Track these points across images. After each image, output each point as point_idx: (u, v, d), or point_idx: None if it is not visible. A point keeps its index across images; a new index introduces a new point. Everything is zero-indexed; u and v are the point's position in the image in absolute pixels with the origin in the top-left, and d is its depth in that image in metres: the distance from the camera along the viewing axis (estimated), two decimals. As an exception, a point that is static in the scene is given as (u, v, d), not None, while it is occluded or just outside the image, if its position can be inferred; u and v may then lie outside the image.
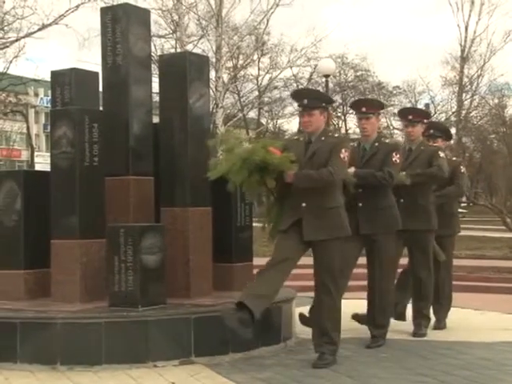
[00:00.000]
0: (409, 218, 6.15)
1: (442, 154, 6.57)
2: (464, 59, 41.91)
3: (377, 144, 6.00)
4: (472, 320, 7.73)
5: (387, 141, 6.41)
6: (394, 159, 5.84)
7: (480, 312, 8.27)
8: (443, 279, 7.09)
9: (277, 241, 5.39)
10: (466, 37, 41.60)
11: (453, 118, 42.54)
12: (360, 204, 5.84)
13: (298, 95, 5.60)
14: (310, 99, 5.31)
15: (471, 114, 44.11)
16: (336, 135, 6.10)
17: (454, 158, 7.77)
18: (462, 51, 41.89)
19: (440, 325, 7.01)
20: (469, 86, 42.83)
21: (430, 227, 6.52)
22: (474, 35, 41.29)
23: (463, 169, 7.30)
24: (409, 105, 44.38)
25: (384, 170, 5.78)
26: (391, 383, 4.79)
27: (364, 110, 6.01)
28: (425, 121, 6.80)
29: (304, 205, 5.18)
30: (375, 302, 5.98)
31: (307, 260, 5.40)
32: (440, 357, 5.64)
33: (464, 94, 42.91)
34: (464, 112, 42.90)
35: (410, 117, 6.65)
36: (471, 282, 11.15)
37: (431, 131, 7.09)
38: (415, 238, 6.46)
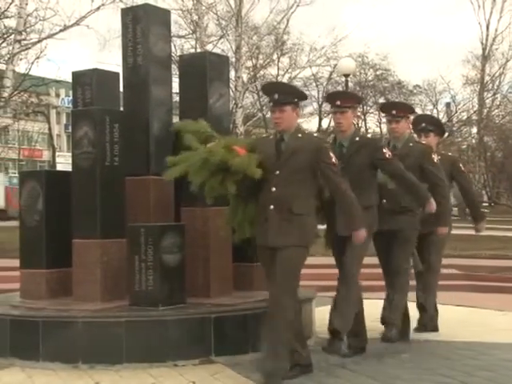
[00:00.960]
0: (392, 218, 5.70)
1: (435, 158, 6.07)
2: (485, 58, 41.53)
3: (357, 139, 5.54)
4: (493, 320, 7.67)
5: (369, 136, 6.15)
6: (387, 155, 5.46)
7: (502, 313, 8.19)
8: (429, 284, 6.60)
9: (260, 261, 5.13)
10: (487, 35, 41.28)
11: (474, 117, 42.18)
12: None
13: (268, 89, 5.19)
14: (282, 94, 4.87)
15: (493, 113, 43.68)
16: (315, 134, 5.81)
17: (450, 154, 7.43)
18: (484, 49, 41.53)
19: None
20: (490, 85, 42.45)
21: (413, 228, 5.93)
22: (496, 33, 40.96)
23: (462, 166, 6.93)
24: (430, 104, 44.10)
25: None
26: (412, 384, 4.77)
27: (339, 103, 5.51)
28: (409, 116, 6.28)
29: (272, 207, 4.78)
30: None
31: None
32: (461, 357, 5.60)
33: (485, 93, 42.52)
34: (486, 111, 42.50)
35: (394, 112, 6.11)
36: (492, 282, 11.09)
37: (423, 125, 6.68)
38: (398, 236, 5.84)
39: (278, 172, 4.78)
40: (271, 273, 4.82)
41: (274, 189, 4.77)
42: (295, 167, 4.77)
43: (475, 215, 6.95)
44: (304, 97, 5.24)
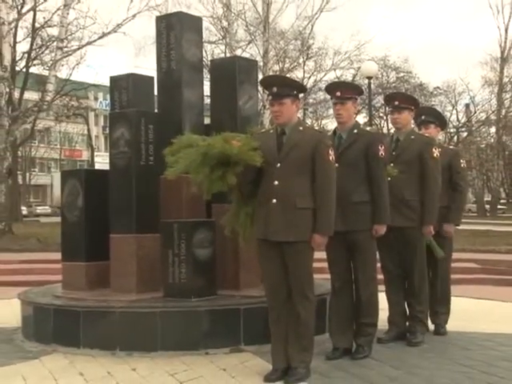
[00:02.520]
0: (394, 214, 5.34)
1: (435, 152, 5.67)
2: (504, 60, 41.27)
3: (356, 131, 5.18)
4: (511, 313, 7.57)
5: (368, 129, 5.56)
6: (380, 152, 5.10)
7: (520, 305, 8.09)
8: (437, 280, 6.15)
9: (259, 257, 4.75)
10: (506, 38, 41.08)
11: (493, 117, 41.79)
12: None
13: (266, 82, 4.86)
14: (280, 87, 4.58)
15: (511, 114, 43.23)
16: (316, 128, 5.37)
17: (452, 147, 6.87)
18: (502, 52, 41.30)
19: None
20: (509, 86, 42.07)
21: (414, 224, 5.61)
22: (515, 36, 40.61)
23: (463, 162, 6.28)
24: (449, 105, 43.71)
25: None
26: (433, 373, 4.72)
27: (339, 94, 5.16)
28: (413, 108, 5.86)
29: (274, 201, 4.52)
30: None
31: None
32: (480, 348, 5.53)
33: (504, 94, 42.14)
34: (504, 111, 42.09)
35: (396, 102, 5.77)
36: (511, 276, 10.92)
37: (423, 117, 6.25)
38: (402, 235, 5.60)
39: (279, 165, 4.52)
40: (269, 268, 4.59)
41: (276, 182, 4.51)
42: (297, 161, 4.52)
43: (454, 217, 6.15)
44: (303, 89, 4.96)
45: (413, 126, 6.25)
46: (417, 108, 6.00)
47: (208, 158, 4.50)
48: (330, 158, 4.54)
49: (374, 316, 5.23)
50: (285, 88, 4.59)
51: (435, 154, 5.64)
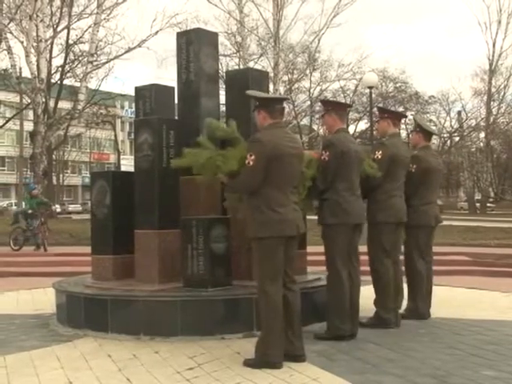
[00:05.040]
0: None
1: (378, 153, 5.63)
2: (492, 72, 41.21)
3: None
4: (500, 301, 7.51)
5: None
6: (322, 156, 5.13)
7: (506, 294, 8.02)
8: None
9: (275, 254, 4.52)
10: (493, 52, 41.06)
11: (482, 124, 41.63)
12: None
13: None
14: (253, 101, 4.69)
15: (499, 120, 43.08)
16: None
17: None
18: (490, 65, 41.26)
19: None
20: (496, 96, 41.97)
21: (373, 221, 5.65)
22: (501, 50, 40.74)
23: (378, 154, 5.72)
24: (443, 112, 43.60)
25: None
26: (427, 355, 4.69)
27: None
28: (386, 116, 5.94)
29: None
30: None
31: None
32: (471, 333, 5.49)
33: (492, 103, 42.04)
34: (492, 118, 41.94)
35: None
36: (499, 267, 10.87)
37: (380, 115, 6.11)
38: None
39: None
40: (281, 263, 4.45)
41: None
42: None
43: None
44: (260, 101, 4.61)
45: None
46: (390, 116, 5.99)
47: (210, 164, 4.66)
48: (246, 161, 4.38)
49: None
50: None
51: (377, 154, 5.66)
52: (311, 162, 5.10)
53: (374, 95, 31.08)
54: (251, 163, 4.34)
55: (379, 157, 5.62)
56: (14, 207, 40.81)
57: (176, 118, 6.67)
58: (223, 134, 4.99)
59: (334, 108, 5.33)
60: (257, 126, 4.69)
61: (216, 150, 4.77)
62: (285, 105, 4.66)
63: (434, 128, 7.87)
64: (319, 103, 38.56)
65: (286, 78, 28.89)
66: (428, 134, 6.37)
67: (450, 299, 7.28)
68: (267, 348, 4.38)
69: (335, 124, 5.26)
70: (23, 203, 22.31)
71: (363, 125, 46.48)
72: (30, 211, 14.44)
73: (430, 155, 6.34)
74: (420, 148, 6.24)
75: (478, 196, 50.48)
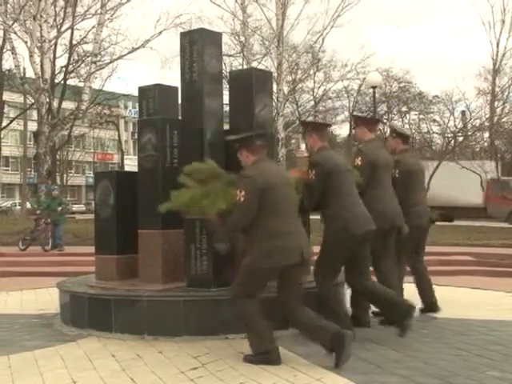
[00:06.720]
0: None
1: (357, 160, 5.67)
2: (496, 71, 41.09)
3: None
4: (504, 301, 7.50)
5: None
6: (309, 176, 5.17)
7: (510, 294, 7.99)
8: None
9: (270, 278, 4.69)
10: (497, 52, 40.92)
11: (486, 124, 41.55)
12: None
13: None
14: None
15: (503, 120, 42.93)
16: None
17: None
18: (494, 64, 41.14)
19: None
20: (500, 95, 41.84)
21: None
22: (505, 50, 40.60)
23: (357, 160, 5.73)
24: (447, 112, 43.54)
25: None
26: (431, 355, 4.69)
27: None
28: (360, 122, 6.04)
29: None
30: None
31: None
32: (475, 333, 5.48)
33: (496, 102, 41.91)
34: (496, 118, 41.82)
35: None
36: (503, 267, 10.84)
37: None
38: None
39: None
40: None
41: None
42: None
43: None
44: (240, 141, 4.77)
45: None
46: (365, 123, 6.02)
47: (195, 201, 4.71)
48: (237, 198, 4.46)
49: None
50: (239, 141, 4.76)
51: (358, 160, 5.70)
52: (297, 183, 5.12)
53: (377, 95, 31.10)
54: (242, 199, 4.42)
55: (359, 163, 5.68)
56: (18, 207, 40.86)
57: (179, 118, 6.67)
58: (204, 173, 4.93)
59: (314, 128, 5.41)
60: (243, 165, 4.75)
61: (199, 188, 4.79)
62: (262, 141, 4.72)
63: (407, 131, 7.97)
64: (322, 103, 38.67)
65: (289, 77, 28.84)
66: (405, 138, 6.52)
67: (454, 299, 7.26)
68: (262, 341, 4.49)
69: (316, 144, 5.34)
70: (33, 204, 22.28)
71: (366, 125, 46.41)
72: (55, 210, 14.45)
73: (410, 158, 6.48)
74: (399, 152, 6.35)
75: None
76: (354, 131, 6.11)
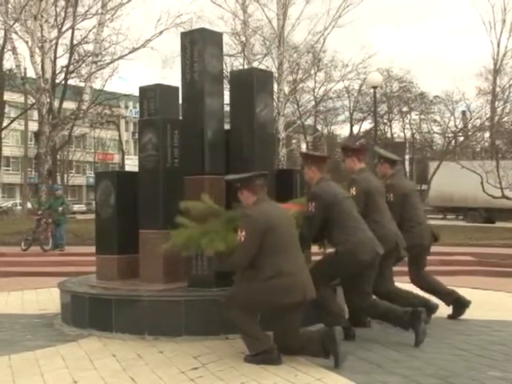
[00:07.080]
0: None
1: (352, 190, 5.63)
2: (496, 71, 41.07)
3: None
4: (505, 302, 7.50)
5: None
6: (309, 208, 5.16)
7: (511, 294, 8.00)
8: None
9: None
10: (498, 52, 40.90)
11: (487, 123, 41.55)
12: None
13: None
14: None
15: (503, 120, 42.92)
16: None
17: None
18: (495, 64, 41.13)
19: None
20: (501, 95, 41.81)
21: None
22: (506, 50, 40.56)
23: (352, 190, 5.67)
24: (447, 112, 43.56)
25: None
26: (432, 356, 4.69)
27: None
28: (349, 154, 5.92)
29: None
30: None
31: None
32: (476, 333, 5.49)
33: (497, 102, 41.88)
34: (497, 118, 41.82)
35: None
36: (504, 268, 10.83)
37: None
38: None
39: None
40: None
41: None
42: None
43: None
44: (240, 181, 4.79)
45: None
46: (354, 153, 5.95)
47: (193, 240, 4.74)
48: (238, 238, 4.50)
49: None
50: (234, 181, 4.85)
51: (353, 189, 5.66)
52: (298, 217, 5.10)
53: (378, 95, 31.10)
54: (243, 239, 4.46)
55: (354, 193, 5.66)
56: (19, 207, 40.87)
57: (180, 117, 6.67)
58: (201, 210, 4.94)
59: (313, 161, 5.40)
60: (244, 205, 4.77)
61: (197, 227, 4.80)
62: (262, 181, 4.75)
63: (394, 156, 7.75)
64: (323, 103, 38.63)
65: (290, 77, 28.83)
66: (392, 162, 6.42)
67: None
68: (258, 341, 4.51)
69: (315, 176, 5.35)
70: (34, 204, 22.23)
71: (367, 125, 46.49)
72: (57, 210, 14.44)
73: (403, 180, 6.48)
74: (390, 176, 6.28)
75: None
76: (343, 163, 6.04)
